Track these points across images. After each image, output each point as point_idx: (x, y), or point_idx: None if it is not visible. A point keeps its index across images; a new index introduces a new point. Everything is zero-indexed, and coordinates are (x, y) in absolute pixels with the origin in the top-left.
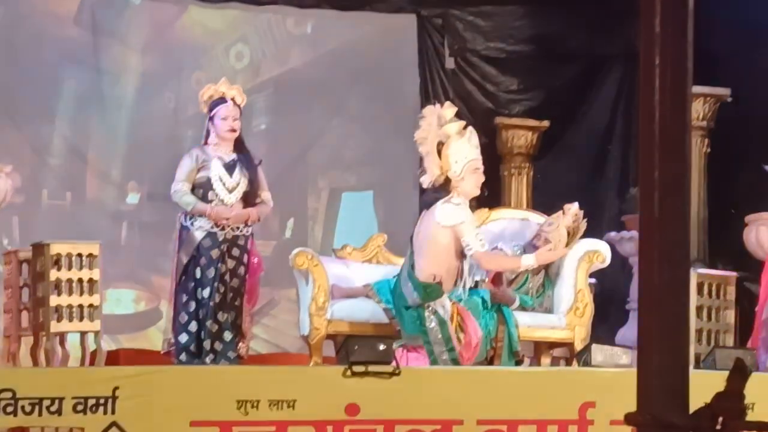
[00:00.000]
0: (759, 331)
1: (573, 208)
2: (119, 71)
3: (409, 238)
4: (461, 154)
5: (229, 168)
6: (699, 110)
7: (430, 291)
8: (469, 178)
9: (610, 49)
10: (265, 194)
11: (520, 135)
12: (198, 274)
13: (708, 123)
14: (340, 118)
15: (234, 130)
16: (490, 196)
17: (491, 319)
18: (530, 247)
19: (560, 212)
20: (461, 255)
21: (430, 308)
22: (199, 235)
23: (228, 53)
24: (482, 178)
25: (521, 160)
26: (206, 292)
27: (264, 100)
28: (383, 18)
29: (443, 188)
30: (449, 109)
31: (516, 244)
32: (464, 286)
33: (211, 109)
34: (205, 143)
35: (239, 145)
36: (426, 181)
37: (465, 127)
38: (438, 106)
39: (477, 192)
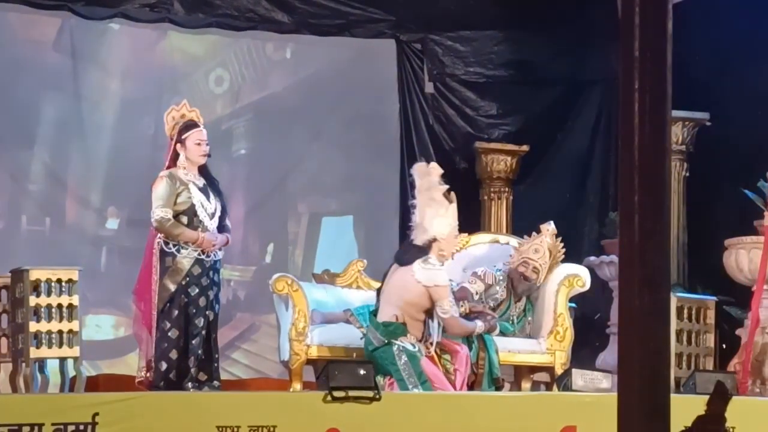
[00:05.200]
0: (749, 355)
1: (551, 228)
2: (98, 97)
3: (376, 291)
4: (451, 218)
5: (205, 193)
6: (678, 134)
7: (393, 328)
8: (443, 248)
9: (589, 73)
10: (227, 219)
11: (500, 160)
12: (185, 302)
13: (687, 147)
14: (319, 143)
15: (209, 155)
16: (470, 221)
17: (472, 345)
18: (517, 274)
19: (540, 235)
20: (427, 314)
21: (398, 345)
22: (187, 263)
23: (207, 78)
24: (452, 249)
25: (501, 184)
26: (199, 321)
27: (244, 125)
28: (362, 43)
29: (422, 248)
30: (437, 168)
31: (498, 269)
32: (432, 343)
33: (180, 133)
34: (172, 167)
35: (203, 169)
36: (422, 239)
37: (449, 191)
38: (424, 163)
39: (443, 259)
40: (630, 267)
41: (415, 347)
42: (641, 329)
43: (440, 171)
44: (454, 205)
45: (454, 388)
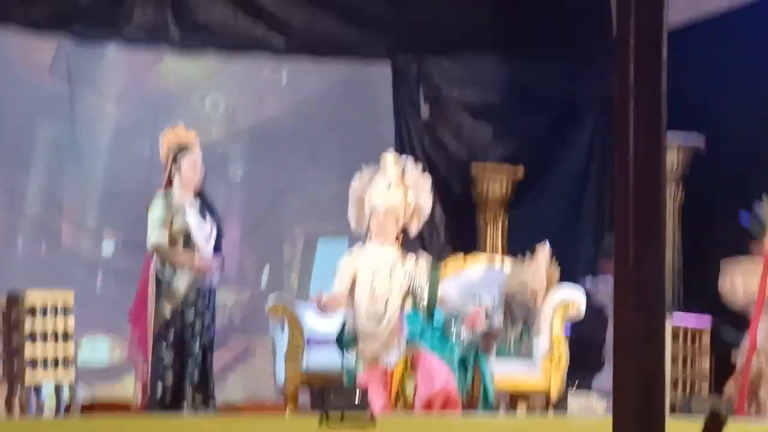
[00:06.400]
0: (746, 379)
1: (546, 249)
2: (94, 120)
3: None
4: (367, 198)
5: (200, 215)
6: (673, 158)
7: (344, 341)
8: (372, 221)
9: (585, 96)
10: (222, 241)
11: (496, 182)
12: (181, 325)
13: (683, 170)
14: (315, 165)
15: (204, 178)
16: (467, 243)
17: (468, 374)
18: (514, 299)
19: (537, 259)
20: (372, 300)
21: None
22: (183, 286)
23: (203, 102)
24: (384, 220)
25: (496, 207)
26: (195, 344)
27: (240, 149)
28: (358, 65)
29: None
30: (390, 155)
31: (495, 296)
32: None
33: (175, 156)
34: (168, 187)
35: (198, 192)
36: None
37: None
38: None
39: (378, 233)
40: (625, 290)
41: (359, 356)
42: (636, 353)
43: (392, 156)
44: (392, 183)
45: (399, 408)
